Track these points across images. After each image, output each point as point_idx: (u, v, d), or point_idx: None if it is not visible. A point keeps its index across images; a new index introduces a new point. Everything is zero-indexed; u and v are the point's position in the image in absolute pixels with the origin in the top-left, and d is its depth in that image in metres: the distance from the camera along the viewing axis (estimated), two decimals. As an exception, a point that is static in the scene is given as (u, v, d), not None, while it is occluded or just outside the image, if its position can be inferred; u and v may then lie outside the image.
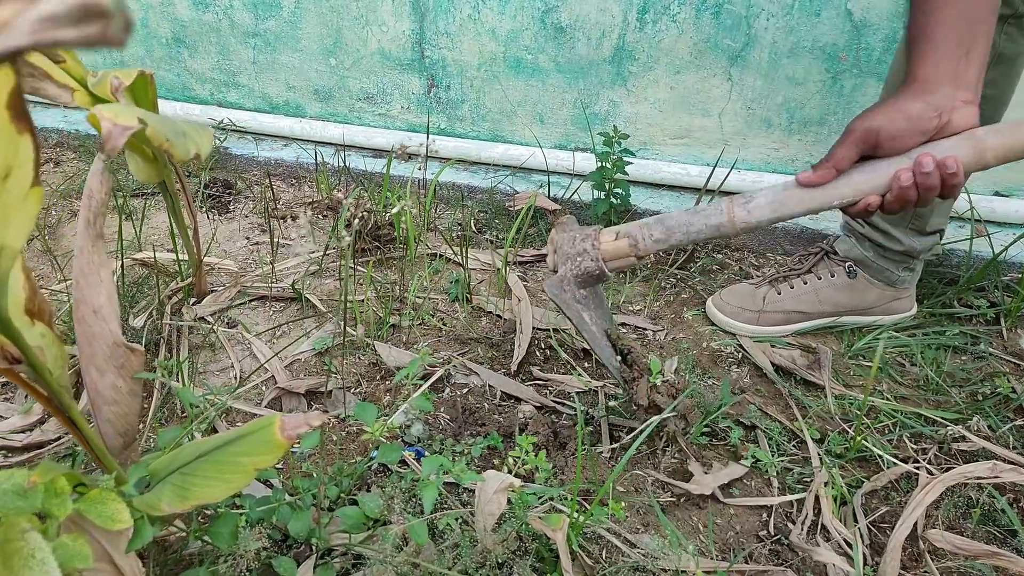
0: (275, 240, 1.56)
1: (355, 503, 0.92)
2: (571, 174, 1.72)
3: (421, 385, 1.19)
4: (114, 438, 0.90)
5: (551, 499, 1.00)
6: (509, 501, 0.93)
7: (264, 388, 1.23)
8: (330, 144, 1.86)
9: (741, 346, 1.34)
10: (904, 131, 0.80)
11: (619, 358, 1.07)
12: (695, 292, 1.49)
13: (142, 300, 1.32)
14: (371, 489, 1.03)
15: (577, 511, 0.97)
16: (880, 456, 1.11)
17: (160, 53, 1.93)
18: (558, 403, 1.20)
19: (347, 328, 1.34)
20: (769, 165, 1.65)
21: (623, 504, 0.99)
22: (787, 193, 0.91)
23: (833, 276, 1.34)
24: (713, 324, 1.39)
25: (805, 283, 1.35)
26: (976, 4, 0.80)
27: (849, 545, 0.99)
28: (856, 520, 1.03)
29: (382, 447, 0.95)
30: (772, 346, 1.33)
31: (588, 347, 1.03)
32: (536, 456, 1.02)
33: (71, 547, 0.62)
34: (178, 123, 0.70)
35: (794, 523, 1.04)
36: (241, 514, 0.88)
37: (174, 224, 1.19)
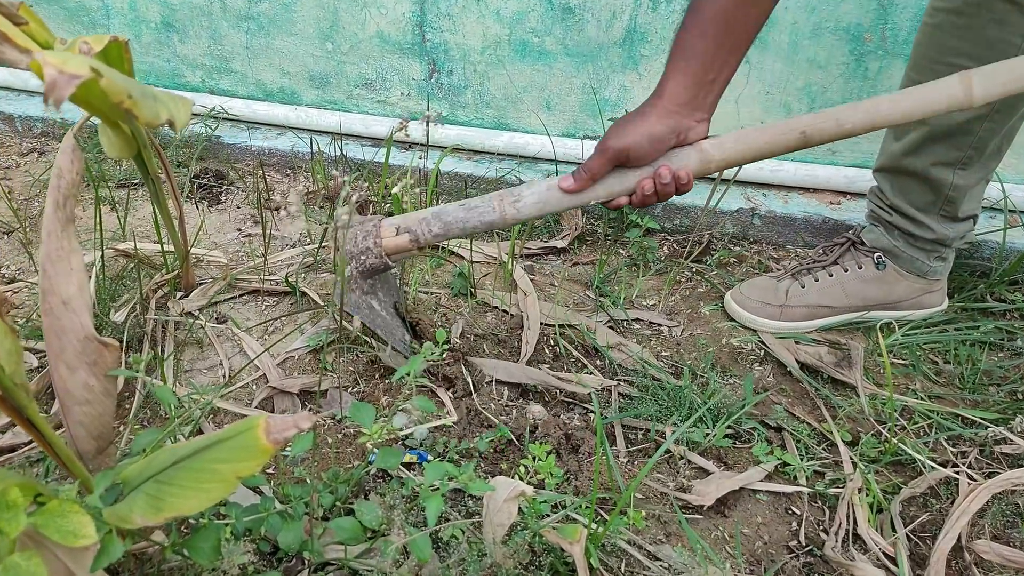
0: (268, 231, 1.48)
1: (352, 512, 0.84)
2: (580, 163, 1.64)
3: (422, 385, 1.11)
4: (87, 441, 0.82)
5: (564, 507, 0.92)
6: (520, 510, 0.85)
7: (255, 387, 1.15)
8: (327, 133, 1.78)
9: (763, 342, 1.26)
10: (648, 151, 0.95)
11: (410, 332, 1.14)
12: (712, 286, 1.41)
13: (125, 294, 1.24)
14: (369, 496, 0.95)
15: (595, 521, 0.89)
16: (917, 460, 1.03)
17: (149, 38, 1.85)
18: (569, 402, 1.12)
19: (344, 323, 1.26)
20: (788, 154, 1.56)
21: (643, 513, 0.91)
22: (550, 193, 1.00)
23: (861, 268, 1.26)
24: (732, 319, 1.31)
25: (831, 275, 1.27)
26: (736, 38, 0.93)
27: (889, 557, 0.91)
28: (894, 529, 0.95)
29: (381, 451, 0.87)
30: (796, 342, 1.25)
31: (379, 336, 1.07)
32: (546, 460, 0.94)
33: (23, 567, 0.54)
34: (150, 88, 0.62)
35: (827, 533, 0.96)
36: (226, 524, 0.80)
37: (157, 212, 1.11)
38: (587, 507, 0.91)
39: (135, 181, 1.67)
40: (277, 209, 1.59)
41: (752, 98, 1.52)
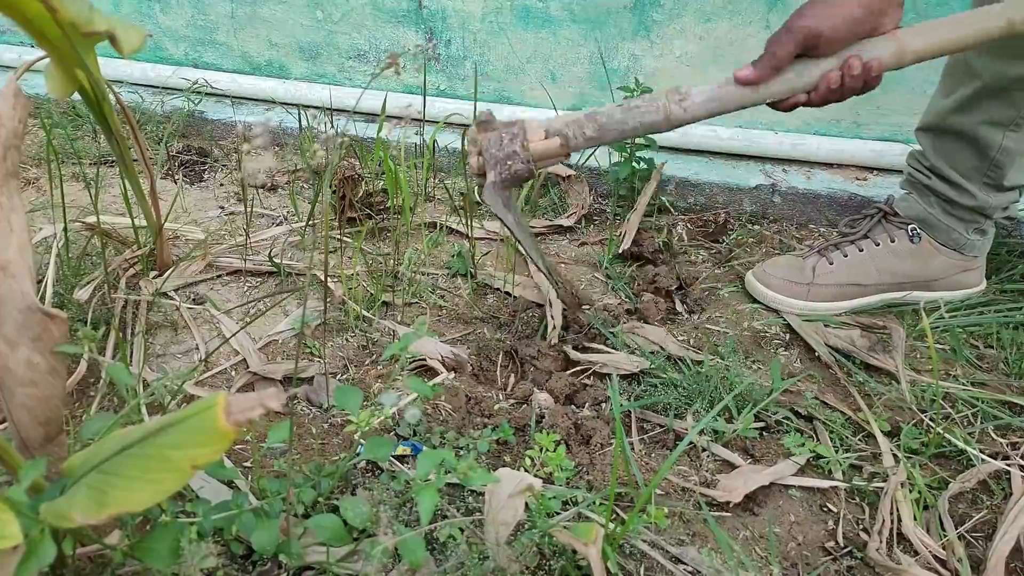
0: (251, 209, 1.37)
1: (336, 510, 0.74)
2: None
3: (417, 368, 1.01)
4: (32, 428, 0.72)
5: (576, 504, 0.82)
6: (527, 507, 0.75)
7: (234, 373, 1.05)
8: (317, 108, 1.68)
9: (788, 325, 1.16)
10: (843, 35, 0.83)
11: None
12: (730, 268, 1.30)
13: (92, 272, 1.14)
14: (356, 492, 0.85)
15: (611, 520, 0.79)
16: (967, 451, 0.93)
17: (128, 8, 1.74)
18: (578, 390, 1.02)
19: (333, 305, 1.16)
20: (810, 126, 1.46)
21: (665, 510, 0.81)
22: (723, 90, 0.89)
23: (893, 241, 1.16)
24: (753, 301, 1.21)
25: (861, 250, 1.17)
26: None
27: (939, 560, 0.81)
28: (943, 528, 0.85)
29: (369, 440, 0.77)
30: (825, 325, 1.14)
31: (523, 252, 0.98)
32: (555, 452, 0.84)
33: (-78, 577, 0.44)
34: (91, 3, 0.51)
35: (868, 532, 0.86)
36: (191, 523, 0.69)
37: (126, 182, 1.01)
38: (602, 504, 0.81)
39: (111, 159, 1.57)
40: (262, 187, 1.49)
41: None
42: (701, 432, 0.95)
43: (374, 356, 1.10)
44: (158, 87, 1.78)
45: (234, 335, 1.04)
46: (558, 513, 0.80)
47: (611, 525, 0.76)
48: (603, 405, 1.00)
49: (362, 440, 0.78)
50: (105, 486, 0.56)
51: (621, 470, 0.88)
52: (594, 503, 0.81)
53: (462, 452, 0.89)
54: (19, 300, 0.68)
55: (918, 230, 1.14)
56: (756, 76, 0.86)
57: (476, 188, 0.92)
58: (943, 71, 1.12)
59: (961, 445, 0.93)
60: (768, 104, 0.89)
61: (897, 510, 0.86)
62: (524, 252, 0.97)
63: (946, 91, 1.10)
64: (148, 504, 0.53)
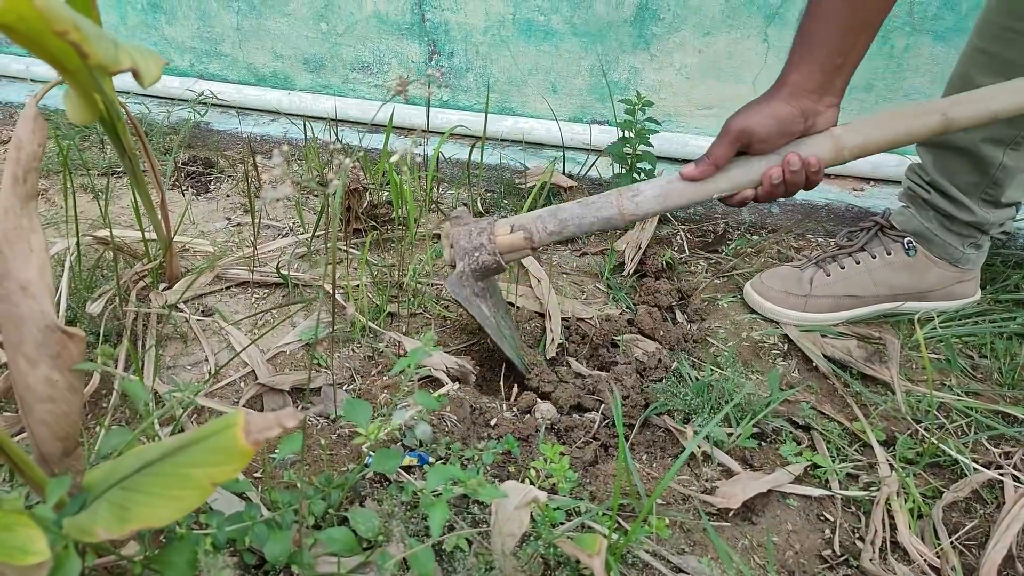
0: (257, 220, 1.40)
1: (346, 521, 0.76)
2: (587, 149, 1.56)
3: (422, 379, 1.03)
4: (51, 443, 0.74)
5: (580, 514, 0.84)
6: (532, 518, 0.77)
7: (243, 384, 1.07)
8: (321, 119, 1.70)
9: (786, 336, 1.18)
10: (774, 134, 0.87)
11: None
12: (729, 278, 1.33)
13: (104, 284, 1.16)
14: (365, 503, 0.87)
15: (615, 530, 0.81)
16: (959, 462, 0.95)
17: (135, 20, 1.76)
18: (590, 395, 1.04)
19: (340, 316, 1.18)
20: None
21: (666, 521, 0.83)
22: (671, 186, 0.95)
23: (890, 254, 1.18)
24: (752, 312, 1.23)
25: (858, 263, 1.19)
26: (869, 10, 0.84)
27: (933, 568, 0.83)
28: (937, 537, 0.87)
29: (378, 453, 0.79)
30: (822, 335, 1.17)
31: (491, 340, 1.02)
32: (559, 463, 0.86)
33: (-43, 592, 0.46)
34: (112, 33, 0.53)
35: (864, 541, 0.88)
36: (206, 535, 0.72)
37: (137, 196, 1.03)
38: (606, 514, 0.83)
39: (119, 169, 1.59)
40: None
41: (771, 79, 1.44)
42: (703, 440, 0.97)
43: (380, 367, 1.12)
44: (164, 98, 1.80)
45: (244, 349, 1.06)
46: (562, 523, 0.82)
47: (614, 535, 0.78)
48: (606, 415, 1.02)
49: (371, 452, 0.80)
50: (127, 502, 0.58)
51: (624, 480, 0.90)
52: (598, 514, 0.83)
53: (468, 463, 0.91)
54: (39, 319, 0.70)
55: (914, 243, 1.16)
56: (698, 174, 0.91)
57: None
58: (945, 87, 1.14)
59: (954, 455, 0.95)
60: (717, 199, 0.95)
61: (892, 519, 0.89)
62: (492, 340, 1.02)
63: None
64: (169, 520, 0.55)
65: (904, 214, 1.18)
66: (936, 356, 1.14)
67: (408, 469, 0.92)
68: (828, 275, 1.19)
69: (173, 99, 1.80)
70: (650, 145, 1.33)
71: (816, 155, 0.89)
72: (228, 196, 1.54)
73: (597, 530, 0.82)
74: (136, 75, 0.50)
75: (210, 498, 0.83)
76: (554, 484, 0.88)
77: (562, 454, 0.92)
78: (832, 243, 1.28)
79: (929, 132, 0.90)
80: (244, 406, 1.03)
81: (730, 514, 0.89)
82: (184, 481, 0.55)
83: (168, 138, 1.68)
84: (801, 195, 1.43)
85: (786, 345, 1.17)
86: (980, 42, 1.05)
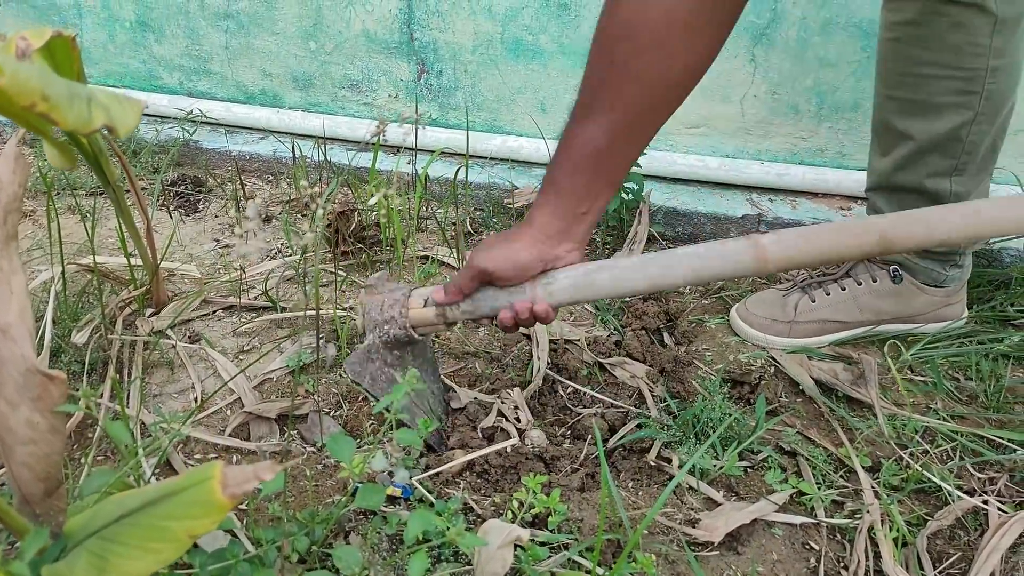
0: (244, 241, 1.39)
1: (330, 556, 0.76)
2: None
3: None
4: (33, 484, 0.73)
5: (566, 548, 0.84)
6: (516, 556, 0.77)
7: (229, 412, 1.07)
8: (310, 136, 1.70)
9: (773, 359, 1.18)
10: (512, 276, 0.90)
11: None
12: (717, 297, 1.33)
13: (90, 313, 1.16)
14: (350, 536, 0.87)
15: (599, 564, 0.81)
16: (942, 488, 0.95)
17: (124, 38, 1.76)
18: (578, 421, 1.04)
19: (326, 341, 1.18)
20: (795, 156, 1.49)
21: (652, 557, 0.83)
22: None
23: (876, 281, 1.19)
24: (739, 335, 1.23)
25: (843, 289, 1.20)
26: (610, 174, 0.87)
27: (918, 599, 0.83)
28: (921, 568, 0.87)
29: (362, 489, 0.79)
30: (809, 358, 1.17)
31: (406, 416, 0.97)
32: (549, 496, 0.86)
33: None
34: (88, 88, 0.53)
35: (847, 569, 0.88)
36: (189, 575, 0.72)
37: (122, 224, 1.03)
38: (591, 549, 0.83)
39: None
40: (257, 217, 1.51)
41: (758, 98, 1.45)
42: (689, 471, 0.97)
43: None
44: (153, 116, 1.80)
45: (233, 379, 1.06)
46: (549, 557, 0.82)
47: (599, 570, 0.78)
48: (591, 442, 1.02)
49: (358, 482, 0.80)
50: (105, 552, 0.58)
51: (608, 512, 0.90)
52: (583, 550, 0.83)
53: (453, 495, 0.91)
54: (20, 363, 0.70)
55: (900, 271, 1.17)
56: (445, 300, 0.94)
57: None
58: (872, 129, 1.15)
59: (938, 482, 0.96)
60: (472, 320, 0.96)
61: (876, 547, 0.89)
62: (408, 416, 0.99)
63: (882, 150, 1.13)
64: (147, 573, 0.55)
65: None
66: (923, 379, 1.15)
67: (393, 499, 0.92)
68: (813, 300, 1.19)
69: (162, 117, 1.80)
70: (638, 165, 1.33)
71: (545, 305, 0.89)
72: (216, 216, 1.54)
73: (582, 565, 0.82)
74: (111, 130, 0.50)
75: (194, 534, 0.84)
76: (536, 515, 0.88)
77: (544, 485, 0.92)
78: (818, 270, 1.28)
79: (862, 254, 0.84)
80: (230, 435, 1.03)
81: (715, 544, 0.89)
82: (162, 534, 0.55)
83: (157, 157, 1.68)
84: (788, 214, 1.44)
85: (773, 368, 1.18)
86: (887, 90, 1.08)
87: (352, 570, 0.75)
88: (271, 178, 1.68)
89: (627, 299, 1.29)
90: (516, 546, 0.77)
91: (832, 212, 1.44)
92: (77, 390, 0.99)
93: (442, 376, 1.09)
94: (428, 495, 0.90)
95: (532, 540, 0.83)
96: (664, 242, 1.46)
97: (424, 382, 0.99)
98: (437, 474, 0.94)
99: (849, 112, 1.42)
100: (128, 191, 1.00)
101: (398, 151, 1.65)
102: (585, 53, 1.42)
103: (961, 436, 1.03)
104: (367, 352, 0.96)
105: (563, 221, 0.89)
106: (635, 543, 0.66)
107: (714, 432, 1.00)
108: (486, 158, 1.63)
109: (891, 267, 1.18)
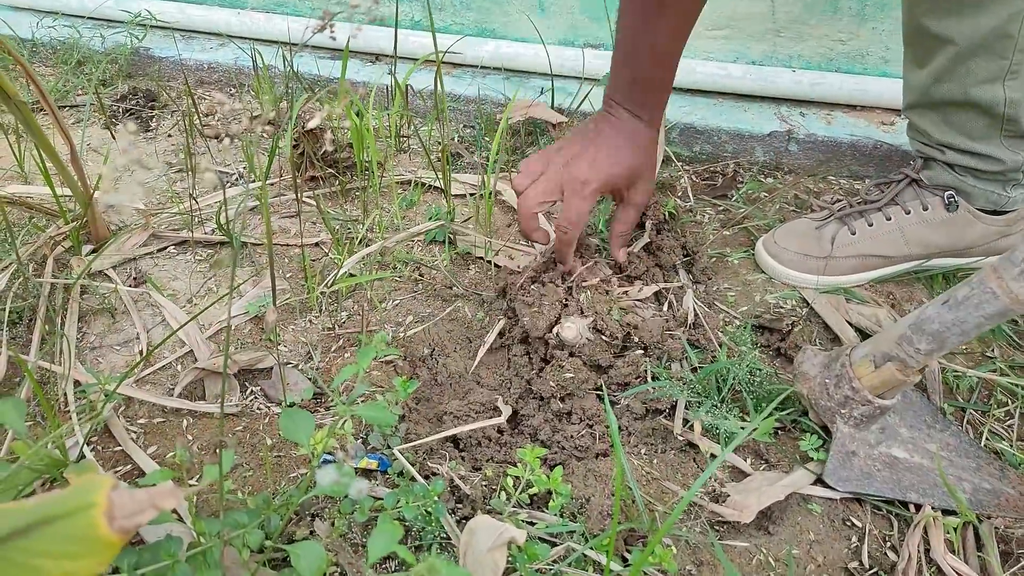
0: (193, 163, 1.21)
1: (290, 551, 0.63)
2: (580, 77, 1.37)
3: (369, 392, 0.89)
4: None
5: (572, 535, 0.71)
6: (510, 553, 0.64)
7: (180, 367, 0.93)
8: (275, 42, 1.49)
9: (805, 300, 1.03)
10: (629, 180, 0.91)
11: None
12: (740, 227, 1.17)
13: (22, 251, 0.99)
14: (315, 523, 0.74)
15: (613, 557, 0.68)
16: (1004, 455, 0.82)
17: (57, -74, 1.53)
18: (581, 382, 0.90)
19: (287, 282, 1.03)
20: (832, 62, 1.30)
21: (673, 550, 0.70)
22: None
23: (927, 209, 1.02)
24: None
25: (888, 219, 1.03)
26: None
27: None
28: (979, 549, 0.75)
29: (322, 471, 0.65)
30: (847, 299, 1.02)
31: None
32: (551, 477, 0.73)
33: None
34: None
35: (896, 551, 0.76)
36: (114, 580, 0.59)
37: (39, 149, 0.85)
38: (595, 535, 0.71)
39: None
40: (216, 137, 1.32)
41: (791, -6, 1.24)
42: (712, 436, 0.83)
43: (341, 341, 0.97)
44: (97, 19, 1.58)
45: (183, 327, 0.91)
46: (551, 549, 0.69)
47: (614, 566, 0.65)
48: (597, 406, 0.88)
49: (325, 453, 0.67)
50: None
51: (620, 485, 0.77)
52: (593, 544, 0.71)
53: (437, 470, 0.78)
54: None
55: (956, 197, 1.00)
56: (567, 234, 0.89)
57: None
58: (903, 38, 0.97)
59: (1004, 447, 0.83)
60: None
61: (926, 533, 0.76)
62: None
63: (918, 60, 0.95)
64: (19, 623, 0.41)
65: (933, 168, 1.01)
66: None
67: (368, 472, 0.79)
68: (853, 232, 1.03)
69: (107, 20, 1.58)
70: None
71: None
72: (170, 136, 1.35)
73: (591, 557, 0.69)
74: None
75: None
76: (535, 495, 0.75)
77: (543, 459, 0.79)
78: (859, 193, 1.11)
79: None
80: (181, 395, 0.89)
81: (743, 523, 0.77)
82: (34, 575, 0.41)
83: (104, 68, 1.47)
84: (822, 131, 1.26)
85: (805, 309, 1.03)
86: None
87: (315, 570, 0.62)
88: (233, 91, 1.48)
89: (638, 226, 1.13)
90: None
91: (872, 128, 1.26)
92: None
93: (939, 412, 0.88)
94: (410, 467, 0.77)
95: (531, 525, 0.71)
96: (680, 163, 1.29)
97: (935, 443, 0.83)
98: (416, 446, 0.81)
99: (897, 10, 1.21)
100: (42, 109, 0.82)
101: (376, 60, 1.45)
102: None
103: (1023, 390, 0.89)
104: (841, 450, 0.80)
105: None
106: (659, 540, 0.53)
107: (744, 390, 0.86)
108: (476, 66, 1.43)
109: (946, 192, 1.01)
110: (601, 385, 0.88)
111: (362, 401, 0.87)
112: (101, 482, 0.42)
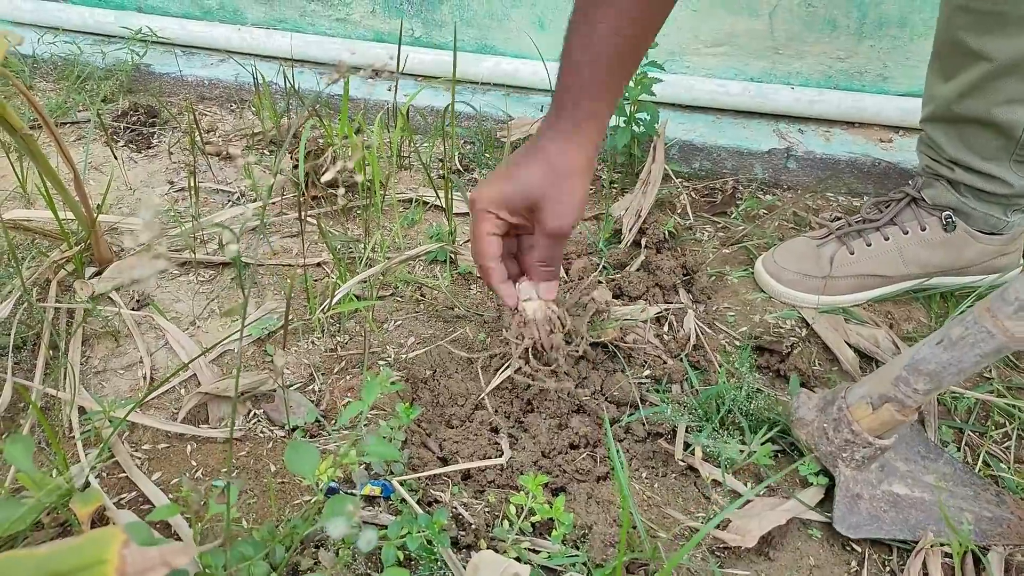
0: (195, 184, 1.22)
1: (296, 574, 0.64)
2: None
3: (371, 422, 0.89)
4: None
5: (574, 566, 0.72)
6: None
7: (184, 391, 0.93)
8: (276, 58, 1.50)
9: (804, 320, 1.04)
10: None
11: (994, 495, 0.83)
12: (740, 245, 1.17)
13: (25, 275, 1.00)
14: (319, 553, 0.74)
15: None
16: (1002, 480, 0.83)
17: (57, -57, 1.53)
18: (581, 409, 0.91)
19: (297, 304, 1.03)
20: (831, 80, 1.30)
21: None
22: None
23: (924, 229, 1.03)
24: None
25: (887, 239, 1.04)
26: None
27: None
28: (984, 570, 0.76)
29: (329, 503, 0.66)
30: (846, 320, 1.03)
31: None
32: (553, 506, 0.73)
33: None
34: None
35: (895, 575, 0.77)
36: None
37: (41, 175, 0.86)
38: (601, 567, 0.71)
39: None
40: (218, 155, 1.33)
41: (790, 11, 1.25)
42: (712, 460, 0.84)
43: (343, 363, 0.98)
44: (98, 35, 1.59)
45: (193, 360, 0.91)
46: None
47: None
48: (598, 431, 0.89)
49: (331, 481, 0.67)
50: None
51: (619, 512, 0.78)
52: (595, 571, 0.71)
53: (440, 498, 0.79)
54: None
55: (953, 218, 1.01)
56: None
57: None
58: (933, 50, 0.97)
59: (1002, 474, 0.83)
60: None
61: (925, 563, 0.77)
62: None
63: (945, 73, 0.95)
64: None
65: (935, 186, 1.02)
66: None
67: (372, 499, 0.80)
68: (852, 252, 1.04)
69: (108, 36, 1.58)
70: (652, 93, 1.15)
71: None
72: (171, 154, 1.35)
73: (591, 588, 0.70)
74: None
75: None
76: (538, 522, 0.76)
77: (550, 487, 0.79)
78: (858, 212, 1.12)
79: None
80: (185, 419, 0.89)
81: (744, 548, 0.78)
82: (48, 628, 0.42)
83: (104, 84, 1.48)
84: (821, 148, 1.26)
85: (804, 330, 1.04)
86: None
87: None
88: (235, 107, 1.49)
89: (635, 244, 1.14)
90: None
91: (871, 145, 1.26)
92: (3, 371, 0.85)
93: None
94: (413, 503, 0.78)
95: (535, 554, 0.71)
96: (679, 180, 1.29)
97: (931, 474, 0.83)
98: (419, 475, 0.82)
99: (895, 28, 1.23)
100: (40, 127, 0.83)
101: (376, 75, 1.45)
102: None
103: (1020, 412, 0.90)
104: (847, 495, 0.80)
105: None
106: (669, 572, 0.54)
107: (740, 413, 0.87)
108: (476, 83, 1.43)
109: (943, 213, 1.02)
110: (603, 413, 0.89)
111: (366, 426, 0.88)
112: (113, 536, 0.42)
